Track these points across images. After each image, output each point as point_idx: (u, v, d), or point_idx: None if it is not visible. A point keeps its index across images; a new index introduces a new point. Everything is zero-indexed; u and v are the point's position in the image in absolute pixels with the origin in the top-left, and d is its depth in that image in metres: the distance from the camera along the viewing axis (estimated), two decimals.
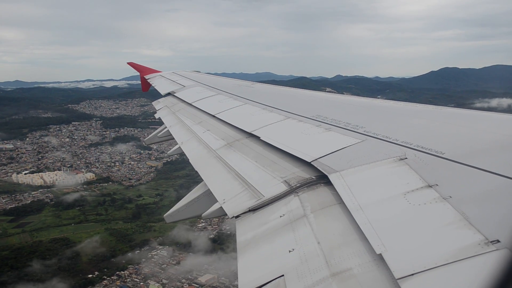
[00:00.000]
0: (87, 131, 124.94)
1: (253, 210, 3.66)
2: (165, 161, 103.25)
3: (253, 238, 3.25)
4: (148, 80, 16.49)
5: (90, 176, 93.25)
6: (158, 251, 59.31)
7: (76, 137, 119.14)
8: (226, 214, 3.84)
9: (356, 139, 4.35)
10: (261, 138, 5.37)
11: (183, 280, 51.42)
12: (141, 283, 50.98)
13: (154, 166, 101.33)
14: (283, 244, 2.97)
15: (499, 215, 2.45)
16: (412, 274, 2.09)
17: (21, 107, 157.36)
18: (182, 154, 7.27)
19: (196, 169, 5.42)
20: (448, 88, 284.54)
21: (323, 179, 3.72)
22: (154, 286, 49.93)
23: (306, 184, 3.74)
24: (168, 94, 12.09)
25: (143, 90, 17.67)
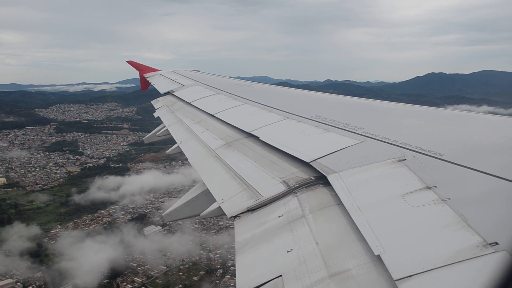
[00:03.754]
0: (35, 136, 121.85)
1: (251, 210, 3.66)
2: (84, 167, 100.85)
3: (252, 238, 3.24)
4: (148, 79, 16.48)
5: (1, 181, 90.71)
6: None
7: (16, 142, 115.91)
8: (224, 214, 3.84)
9: (355, 140, 4.34)
10: (260, 138, 5.36)
11: None
12: None
13: (72, 172, 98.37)
14: (282, 245, 2.96)
15: (497, 217, 2.45)
16: (410, 276, 2.09)
17: None
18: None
19: (194, 168, 5.41)
20: (429, 94, 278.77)
21: (322, 179, 3.72)
22: None
23: (305, 185, 3.74)
24: (167, 93, 12.08)
25: (142, 88, 17.63)
